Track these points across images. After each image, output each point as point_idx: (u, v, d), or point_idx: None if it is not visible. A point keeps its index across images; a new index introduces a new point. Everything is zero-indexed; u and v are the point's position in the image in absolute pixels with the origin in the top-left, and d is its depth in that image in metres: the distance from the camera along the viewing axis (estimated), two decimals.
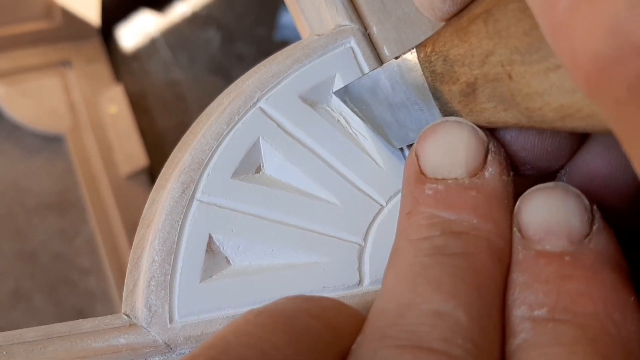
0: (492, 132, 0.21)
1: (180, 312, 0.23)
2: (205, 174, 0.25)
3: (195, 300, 0.24)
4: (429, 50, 0.21)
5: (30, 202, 1.12)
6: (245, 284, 0.24)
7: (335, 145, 0.26)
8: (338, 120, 0.27)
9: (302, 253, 0.24)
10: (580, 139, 0.21)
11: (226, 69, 1.31)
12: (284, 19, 1.33)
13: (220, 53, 1.32)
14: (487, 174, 0.20)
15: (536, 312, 0.18)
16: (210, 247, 0.24)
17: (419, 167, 0.21)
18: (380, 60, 0.28)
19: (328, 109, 0.27)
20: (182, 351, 0.23)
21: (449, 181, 0.20)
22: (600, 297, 0.18)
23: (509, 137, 0.21)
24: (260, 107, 0.26)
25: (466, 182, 0.20)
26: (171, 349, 0.23)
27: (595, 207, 0.19)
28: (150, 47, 1.31)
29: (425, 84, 0.21)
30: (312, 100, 0.27)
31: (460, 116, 0.21)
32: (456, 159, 0.20)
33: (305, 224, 0.25)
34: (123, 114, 1.18)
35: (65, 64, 1.20)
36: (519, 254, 0.19)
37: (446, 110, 0.21)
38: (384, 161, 0.26)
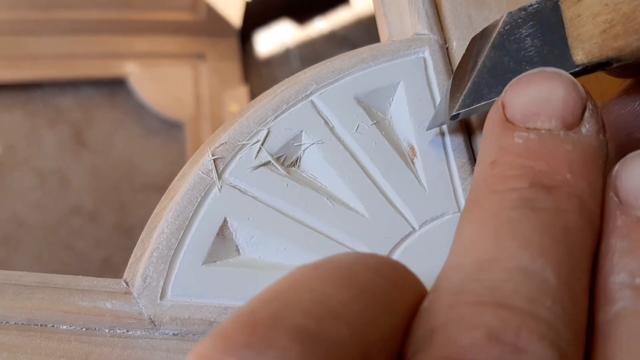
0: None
1: (173, 291, 0.22)
2: (237, 157, 0.24)
3: (193, 282, 0.22)
4: None
5: (139, 180, 1.16)
6: (248, 277, 0.22)
7: (379, 155, 0.24)
8: (390, 131, 0.25)
9: (314, 259, 0.22)
10: None
11: None
12: None
13: None
14: (584, 129, 0.18)
15: (638, 280, 0.17)
16: (222, 232, 0.23)
17: (505, 115, 0.19)
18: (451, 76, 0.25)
19: (383, 117, 0.25)
20: (165, 331, 0.22)
21: (542, 131, 0.18)
22: None
23: None
24: (312, 100, 0.25)
25: (562, 134, 0.18)
26: (155, 325, 0.22)
27: None
28: (283, 57, 1.34)
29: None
30: (368, 104, 0.25)
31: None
32: (553, 109, 0.18)
33: (325, 229, 0.23)
34: None
35: (200, 56, 1.24)
36: (617, 219, 0.18)
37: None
38: (429, 183, 0.23)
